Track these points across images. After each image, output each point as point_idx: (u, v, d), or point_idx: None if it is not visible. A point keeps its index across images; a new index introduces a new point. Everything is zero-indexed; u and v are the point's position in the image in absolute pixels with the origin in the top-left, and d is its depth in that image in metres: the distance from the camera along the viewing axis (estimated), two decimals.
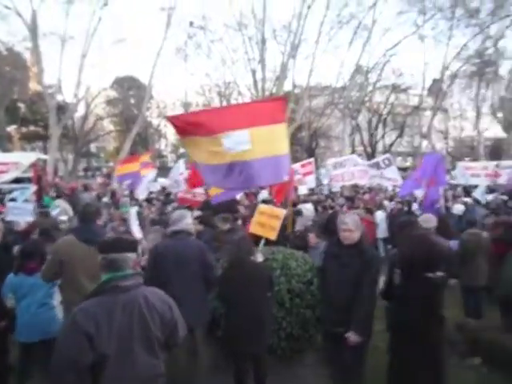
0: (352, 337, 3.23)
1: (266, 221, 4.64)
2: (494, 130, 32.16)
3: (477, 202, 9.79)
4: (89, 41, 19.87)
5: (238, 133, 4.54)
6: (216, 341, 4.02)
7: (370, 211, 9.33)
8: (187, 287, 3.51)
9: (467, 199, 9.57)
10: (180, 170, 11.16)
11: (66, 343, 1.99)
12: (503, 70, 28.94)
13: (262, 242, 4.54)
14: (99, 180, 16.07)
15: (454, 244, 5.42)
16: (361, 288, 3.26)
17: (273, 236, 4.43)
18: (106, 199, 11.02)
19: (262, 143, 4.60)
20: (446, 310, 5.37)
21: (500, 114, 29.15)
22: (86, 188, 12.44)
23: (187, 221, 3.80)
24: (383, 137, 31.61)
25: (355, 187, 14.38)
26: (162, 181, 14.08)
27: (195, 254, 3.66)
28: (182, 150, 36.00)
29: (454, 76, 27.83)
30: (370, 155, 28.63)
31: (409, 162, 36.55)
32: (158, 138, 39.20)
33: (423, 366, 3.01)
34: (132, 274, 2.19)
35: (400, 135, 31.43)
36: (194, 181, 8.30)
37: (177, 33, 23.68)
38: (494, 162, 15.75)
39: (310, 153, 27.80)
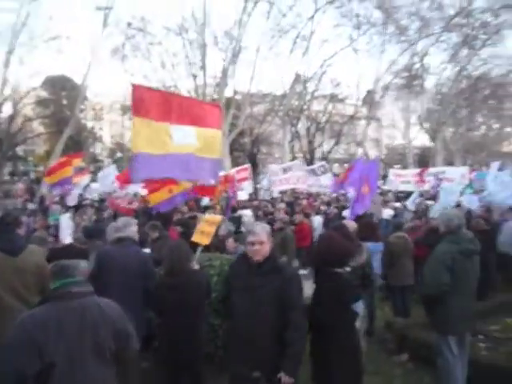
0: (285, 379, 2.60)
1: (205, 228, 4.58)
2: (421, 139, 34.66)
3: (405, 207, 10.44)
4: (16, 36, 18.57)
5: (185, 128, 4.53)
6: (152, 352, 3.89)
7: (308, 216, 9.64)
8: (125, 296, 3.35)
9: (397, 204, 10.19)
10: (111, 177, 10.81)
11: (11, 352, 1.86)
12: (429, 84, 31.35)
13: (200, 249, 4.47)
14: (21, 186, 14.90)
15: (376, 247, 5.64)
16: (288, 315, 2.66)
17: (206, 241, 4.37)
18: (32, 206, 10.27)
19: (204, 143, 4.66)
20: (377, 310, 5.67)
21: (427, 125, 31.42)
22: (7, 195, 11.55)
23: (132, 228, 3.73)
24: (321, 144, 32.75)
25: (295, 193, 14.73)
26: (96, 186, 13.45)
27: (136, 262, 3.58)
28: (119, 155, 34.69)
29: (385, 88, 29.63)
30: (309, 162, 29.53)
31: (342, 169, 38.17)
32: (92, 142, 37.38)
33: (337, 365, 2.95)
34: (84, 281, 2.12)
35: (337, 143, 32.75)
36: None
37: (114, 33, 22.83)
38: (423, 169, 16.94)
39: (252, 158, 28.08)
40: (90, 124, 34.77)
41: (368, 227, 5.47)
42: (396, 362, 4.55)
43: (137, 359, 3.62)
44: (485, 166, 31.20)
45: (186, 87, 24.79)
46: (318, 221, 9.77)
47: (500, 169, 12.02)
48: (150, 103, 4.24)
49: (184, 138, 4.45)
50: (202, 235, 4.54)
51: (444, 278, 3.26)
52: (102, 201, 11.18)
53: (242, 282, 2.79)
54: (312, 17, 23.58)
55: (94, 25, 55.71)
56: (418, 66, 29.04)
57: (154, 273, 3.72)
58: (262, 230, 2.83)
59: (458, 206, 8.55)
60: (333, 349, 2.94)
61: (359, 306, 3.90)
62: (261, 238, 2.77)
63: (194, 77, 23.58)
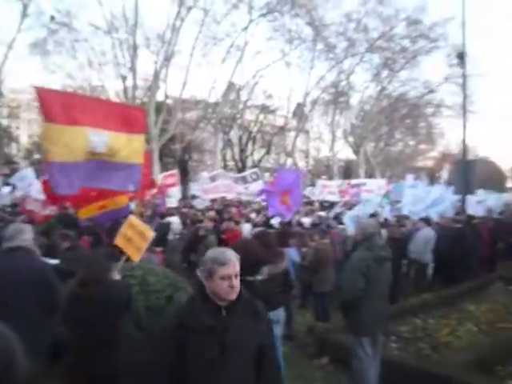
0: None
1: (133, 237, 4.36)
2: (346, 152, 36.70)
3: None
4: None
5: (102, 132, 4.22)
6: (63, 368, 3.61)
7: (238, 223, 9.71)
8: (20, 313, 3.02)
9: (322, 213, 10.65)
10: (29, 180, 10.00)
11: None
12: (354, 101, 33.38)
13: (124, 258, 4.26)
14: None
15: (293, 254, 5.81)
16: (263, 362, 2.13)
17: (136, 258, 4.18)
18: None
19: (119, 148, 4.37)
20: (298, 316, 5.84)
21: (351, 139, 33.35)
22: None
23: (25, 236, 3.27)
24: (252, 153, 33.30)
25: (225, 200, 14.75)
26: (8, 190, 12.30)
27: (30, 274, 3.18)
28: (36, 156, 32.18)
29: (314, 102, 30.99)
30: (241, 170, 29.85)
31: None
32: (7, 142, 34.29)
33: None
34: None
35: (267, 152, 33.51)
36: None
37: (35, 26, 21.24)
38: (346, 181, 17.95)
39: (183, 165, 27.66)
40: (4, 122, 31.90)
41: (283, 235, 5.62)
42: (316, 366, 4.70)
43: (39, 378, 3.36)
44: (402, 178, 33.94)
45: (114, 88, 23.84)
46: (247, 228, 9.85)
47: (413, 185, 13.10)
48: (60, 107, 3.90)
49: (103, 143, 4.18)
50: (129, 244, 4.32)
51: (359, 284, 3.45)
52: (14, 206, 10.25)
53: (210, 337, 2.05)
54: (246, 28, 24.00)
55: (11, 15, 51.51)
56: (344, 83, 30.81)
57: (56, 284, 3.39)
58: (235, 257, 2.11)
59: (374, 215, 9.14)
60: None
61: (280, 313, 4.00)
62: (237, 269, 2.08)
63: (123, 78, 22.75)
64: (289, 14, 25.66)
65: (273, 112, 33.87)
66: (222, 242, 7.25)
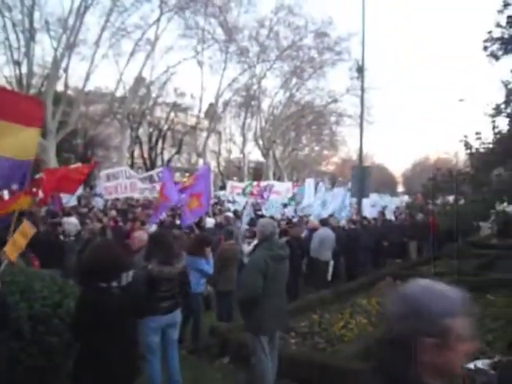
0: None
1: (18, 238, 3.90)
2: (256, 154, 37.60)
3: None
4: None
5: None
6: None
7: (143, 224, 9.33)
8: None
9: (229, 213, 10.72)
10: None
11: None
12: (264, 105, 34.37)
13: (5, 262, 3.79)
14: None
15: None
16: None
17: (13, 257, 3.73)
18: None
19: (9, 142, 3.87)
20: (203, 316, 5.76)
21: (261, 142, 34.27)
22: None
23: None
24: (162, 152, 32.39)
25: (130, 200, 14.08)
26: None
27: None
28: None
29: (226, 104, 31.22)
30: (150, 168, 28.84)
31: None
32: None
33: None
34: None
35: (178, 152, 32.88)
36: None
37: None
38: (255, 182, 18.33)
39: (85, 162, 25.79)
40: None
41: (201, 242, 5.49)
42: (217, 366, 4.67)
43: None
44: None
45: (6, 74, 21.38)
46: (153, 229, 9.52)
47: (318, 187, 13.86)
48: None
49: None
50: (14, 247, 3.87)
51: (258, 282, 3.50)
52: None
53: None
54: (157, 21, 23.26)
55: None
56: (255, 87, 31.55)
57: None
58: None
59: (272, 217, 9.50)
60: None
61: (177, 315, 3.92)
62: None
63: (18, 63, 20.51)
64: (202, 13, 25.49)
65: (184, 111, 33.35)
66: (125, 246, 6.79)
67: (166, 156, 33.02)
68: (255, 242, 5.31)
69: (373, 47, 76.58)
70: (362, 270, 8.85)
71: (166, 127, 31.98)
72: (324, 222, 8.20)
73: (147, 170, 28.56)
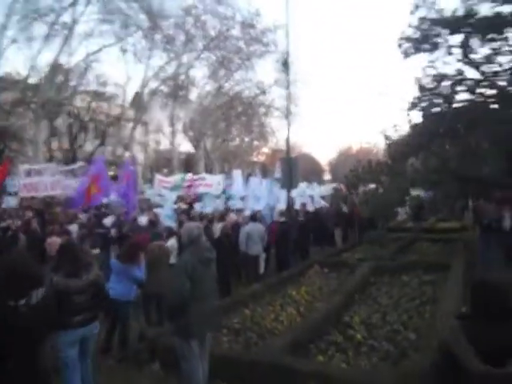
0: None
1: None
2: (186, 145, 36.85)
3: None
4: None
5: None
6: None
7: (62, 226, 8.71)
8: None
9: (158, 210, 10.40)
10: None
11: None
12: (193, 95, 33.66)
13: None
14: None
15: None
16: None
17: None
18: None
19: None
20: (133, 322, 5.56)
21: (191, 133, 33.64)
22: None
23: None
24: (84, 144, 30.48)
25: (49, 198, 13.09)
26: None
27: None
28: None
29: (153, 93, 30.10)
30: (71, 162, 27.03)
31: (112, 171, 36.79)
32: None
33: None
34: None
35: (102, 143, 31.13)
36: None
37: None
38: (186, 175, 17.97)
39: None
40: None
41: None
42: (147, 373, 4.54)
43: None
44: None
45: None
46: (74, 229, 8.93)
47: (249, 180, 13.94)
48: None
49: None
50: None
51: (185, 287, 3.43)
52: None
53: None
54: (73, 4, 21.65)
55: None
56: (183, 77, 30.78)
57: None
58: None
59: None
60: None
61: (94, 327, 3.74)
62: None
63: None
64: None
65: (108, 100, 31.55)
66: (41, 253, 6.22)
67: (89, 148, 31.11)
68: None
69: (299, 39, 78.68)
70: (292, 260, 9.12)
71: (87, 118, 30.04)
72: (253, 217, 8.29)
73: (67, 163, 26.73)
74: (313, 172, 62.06)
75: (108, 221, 9.39)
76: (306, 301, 6.77)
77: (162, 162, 36.91)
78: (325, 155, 75.16)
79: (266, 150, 51.07)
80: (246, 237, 7.79)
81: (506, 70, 10.80)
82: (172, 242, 6.78)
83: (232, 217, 8.34)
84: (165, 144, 36.42)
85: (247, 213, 10.22)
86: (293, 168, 12.57)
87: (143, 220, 8.62)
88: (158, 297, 5.55)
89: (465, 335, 2.10)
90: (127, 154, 29.86)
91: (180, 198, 14.98)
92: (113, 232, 8.24)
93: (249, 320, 5.84)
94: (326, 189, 28.14)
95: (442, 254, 10.36)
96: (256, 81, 33.41)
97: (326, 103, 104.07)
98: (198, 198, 14.73)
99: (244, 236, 7.82)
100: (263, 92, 33.99)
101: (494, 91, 11.24)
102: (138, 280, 5.06)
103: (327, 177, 68.84)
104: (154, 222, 7.63)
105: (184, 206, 13.08)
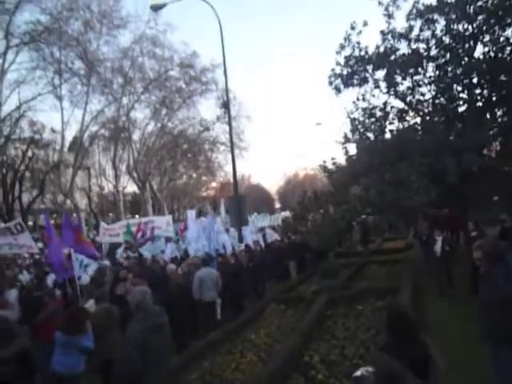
0: None
1: None
2: (131, 187, 35.99)
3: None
4: None
5: None
6: None
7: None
8: None
9: (106, 262, 9.97)
10: None
11: None
12: (135, 136, 33.23)
13: None
14: None
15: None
16: None
17: None
18: None
19: None
20: None
21: (135, 174, 32.96)
22: None
23: None
24: (20, 194, 28.77)
25: None
26: None
27: None
28: None
29: (93, 137, 29.37)
30: (6, 214, 25.33)
31: (53, 220, 34.90)
32: None
33: None
34: None
35: (41, 193, 29.57)
36: None
37: None
38: (131, 221, 17.44)
39: None
40: None
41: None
42: None
43: None
44: (189, 209, 35.50)
45: None
46: (12, 296, 8.13)
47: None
48: None
49: None
50: None
51: (135, 358, 3.27)
52: None
53: None
54: (3, 54, 20.94)
55: None
56: (124, 119, 30.41)
57: None
58: None
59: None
60: None
61: None
62: None
63: None
64: (56, 45, 23.78)
65: (44, 147, 30.29)
66: None
67: (26, 199, 29.38)
68: None
69: (239, 75, 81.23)
70: (248, 300, 9.00)
71: (23, 167, 28.52)
72: (205, 262, 8.14)
73: (3, 216, 25.03)
74: (263, 202, 62.86)
75: (50, 280, 8.82)
76: (265, 344, 6.61)
77: (107, 207, 35.66)
78: (273, 184, 76.53)
79: (214, 184, 51.16)
80: (199, 283, 7.60)
81: (427, 99, 11.84)
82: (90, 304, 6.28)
83: (170, 266, 7.95)
84: (109, 188, 35.35)
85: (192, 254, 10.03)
86: (241, 206, 12.69)
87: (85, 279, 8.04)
88: (108, 364, 5.18)
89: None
90: (68, 202, 28.52)
91: (128, 245, 14.49)
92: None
93: (208, 373, 5.60)
94: (277, 218, 28.54)
95: (391, 276, 10.71)
96: (199, 118, 33.82)
97: (271, 134, 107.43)
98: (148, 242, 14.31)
99: (197, 282, 7.63)
100: (207, 129, 34.39)
101: (418, 119, 12.23)
102: (88, 349, 4.73)
103: (277, 205, 69.90)
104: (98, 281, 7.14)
105: (132, 254, 12.64)
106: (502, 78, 10.57)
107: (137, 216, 31.81)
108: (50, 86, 25.14)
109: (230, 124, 15.00)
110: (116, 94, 28.45)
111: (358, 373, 3.07)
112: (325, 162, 12.01)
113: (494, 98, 10.97)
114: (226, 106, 14.15)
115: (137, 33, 27.78)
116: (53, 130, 28.95)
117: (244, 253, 10.59)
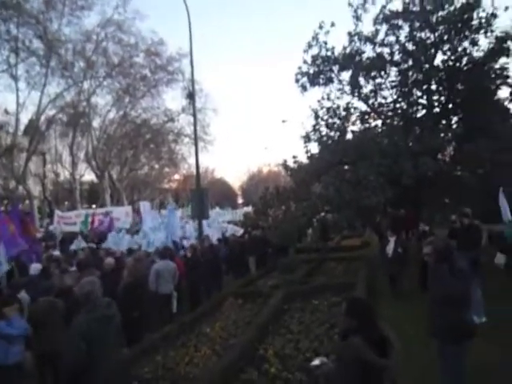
0: None
1: None
2: (90, 175, 34.73)
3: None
4: None
5: None
6: None
7: None
8: None
9: (56, 252, 9.57)
10: None
11: None
12: (96, 123, 32.04)
13: None
14: None
15: None
16: None
17: None
18: None
19: None
20: None
21: (94, 163, 31.85)
22: None
23: None
24: None
25: None
26: None
27: None
28: None
29: (50, 121, 28.03)
30: None
31: (3, 207, 33.14)
32: None
33: None
34: None
35: None
36: None
37: None
38: (91, 210, 16.88)
39: None
40: None
41: None
42: None
43: None
44: (151, 201, 34.72)
45: None
46: None
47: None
48: None
49: None
50: None
51: (81, 349, 3.15)
52: None
53: None
54: None
55: None
56: (84, 104, 29.24)
57: None
58: None
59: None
60: None
61: None
62: None
63: None
64: (14, 22, 22.46)
65: None
66: None
67: None
68: None
69: (208, 68, 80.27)
70: (205, 294, 8.93)
71: None
72: (163, 254, 7.99)
73: None
74: (226, 196, 62.72)
75: None
76: (220, 337, 6.61)
77: (63, 195, 34.25)
78: (237, 179, 76.44)
79: (177, 176, 50.39)
80: (156, 275, 7.45)
81: (388, 103, 12.20)
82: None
83: (109, 261, 7.62)
84: (65, 175, 33.94)
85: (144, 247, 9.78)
86: (203, 199, 12.57)
87: (36, 268, 7.59)
88: (53, 356, 4.96)
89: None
90: (20, 188, 27.13)
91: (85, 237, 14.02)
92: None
93: (161, 367, 5.52)
94: (239, 213, 28.57)
95: (348, 272, 11.01)
96: (164, 108, 33.10)
97: (237, 129, 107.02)
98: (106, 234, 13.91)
99: (154, 275, 7.48)
100: (171, 119, 33.74)
101: (379, 122, 12.59)
102: (9, 336, 4.51)
103: (240, 200, 69.96)
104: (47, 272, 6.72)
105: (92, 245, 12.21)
106: (459, 86, 11.07)
107: (94, 206, 30.80)
108: (4, 65, 23.80)
109: (194, 115, 14.79)
110: (77, 77, 27.31)
111: (317, 361, 3.16)
112: (285, 160, 12.15)
113: (450, 106, 11.48)
114: (191, 96, 13.90)
115: (104, 17, 26.78)
116: (6, 112, 27.36)
117: (199, 246, 10.50)
